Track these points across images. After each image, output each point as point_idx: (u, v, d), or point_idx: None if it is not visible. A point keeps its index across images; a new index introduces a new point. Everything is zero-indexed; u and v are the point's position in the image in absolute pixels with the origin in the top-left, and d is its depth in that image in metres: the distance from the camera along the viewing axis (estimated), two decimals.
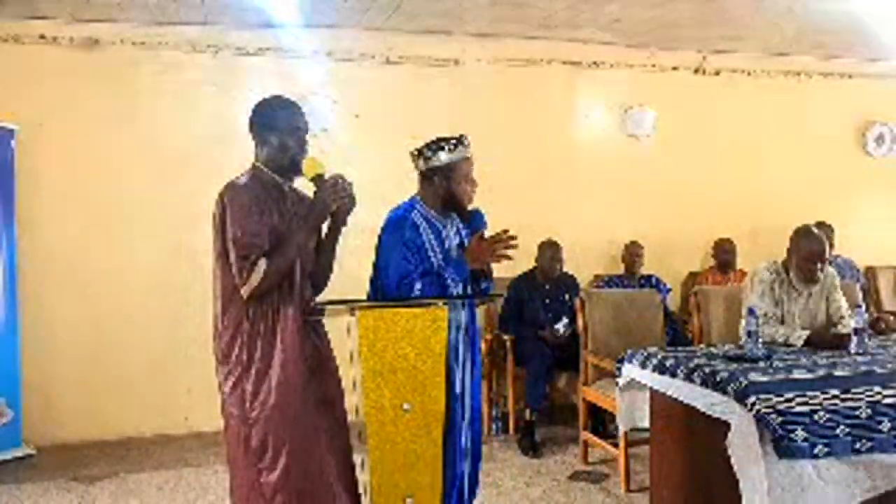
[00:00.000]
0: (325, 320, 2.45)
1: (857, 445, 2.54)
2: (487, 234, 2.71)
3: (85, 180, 4.82)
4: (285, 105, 2.42)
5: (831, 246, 5.36)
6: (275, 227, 2.31)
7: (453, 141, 2.65)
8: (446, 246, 2.71)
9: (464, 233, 2.81)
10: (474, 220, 2.69)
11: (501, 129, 5.50)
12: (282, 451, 2.26)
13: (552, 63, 5.63)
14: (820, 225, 5.01)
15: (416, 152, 2.73)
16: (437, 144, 2.67)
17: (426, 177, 2.71)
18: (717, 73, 6.02)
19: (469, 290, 2.73)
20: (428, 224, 2.70)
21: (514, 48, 5.52)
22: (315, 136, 5.02)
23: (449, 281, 2.59)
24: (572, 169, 5.70)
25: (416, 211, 2.71)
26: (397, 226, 2.65)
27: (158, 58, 4.93)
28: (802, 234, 3.52)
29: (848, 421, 2.56)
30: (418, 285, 2.56)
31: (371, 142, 5.22)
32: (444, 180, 2.67)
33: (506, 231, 2.61)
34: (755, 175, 6.06)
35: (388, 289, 2.60)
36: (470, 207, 2.74)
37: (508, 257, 2.62)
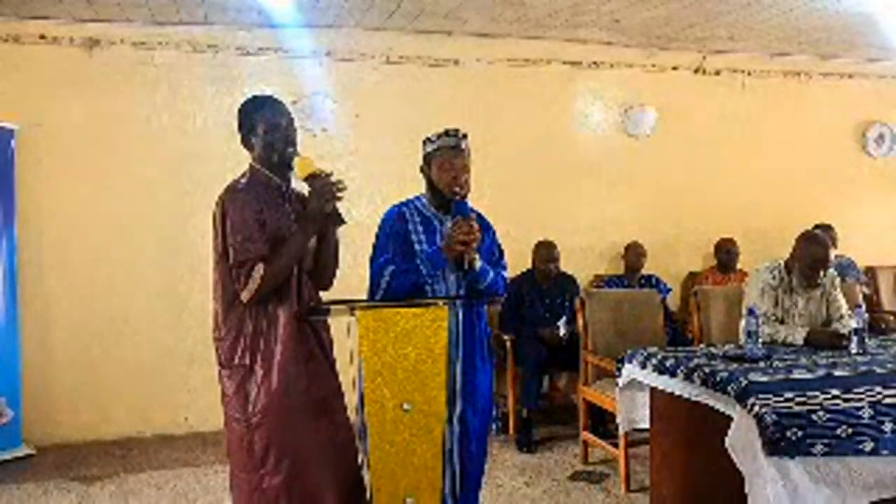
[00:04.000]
0: (328, 320, 2.45)
1: (861, 446, 2.54)
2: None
3: (85, 180, 4.82)
4: (264, 104, 2.40)
5: (833, 246, 5.38)
6: (275, 230, 2.30)
7: (438, 133, 2.69)
8: (438, 239, 2.67)
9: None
10: (455, 209, 2.65)
11: (501, 129, 5.51)
12: (284, 457, 2.25)
13: (552, 63, 5.63)
14: (820, 226, 5.03)
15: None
16: (426, 138, 2.72)
17: (421, 170, 2.76)
18: (717, 73, 6.02)
19: (462, 287, 2.67)
20: (421, 217, 2.72)
21: (513, 48, 5.52)
22: (315, 136, 5.04)
23: (422, 267, 2.58)
24: (572, 169, 5.70)
25: (411, 205, 2.75)
26: (387, 217, 2.74)
27: (159, 58, 4.93)
28: (807, 239, 3.54)
29: (851, 421, 2.55)
30: (389, 269, 2.59)
31: (371, 142, 5.22)
32: (427, 170, 2.72)
33: (468, 217, 2.59)
34: (755, 175, 6.06)
35: (370, 273, 2.67)
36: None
37: (470, 240, 2.56)
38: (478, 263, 2.62)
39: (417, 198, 2.78)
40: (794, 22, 5.17)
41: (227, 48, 5.03)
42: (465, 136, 2.70)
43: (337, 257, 2.51)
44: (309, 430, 2.30)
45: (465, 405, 2.64)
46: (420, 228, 2.70)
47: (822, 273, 3.48)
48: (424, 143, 2.72)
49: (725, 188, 6.00)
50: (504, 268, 2.81)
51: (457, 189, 2.64)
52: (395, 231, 2.68)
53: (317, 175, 2.31)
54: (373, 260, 2.69)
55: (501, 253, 2.84)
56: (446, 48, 5.40)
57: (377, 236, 2.72)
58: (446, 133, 2.68)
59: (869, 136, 6.41)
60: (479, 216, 2.80)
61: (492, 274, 2.69)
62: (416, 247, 2.66)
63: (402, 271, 2.59)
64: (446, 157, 2.65)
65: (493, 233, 2.84)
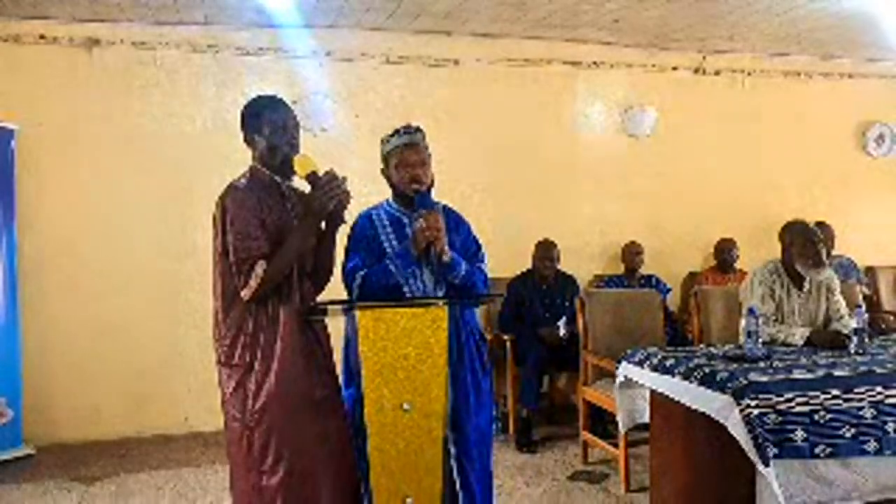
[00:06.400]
0: (325, 320, 2.45)
1: (865, 446, 2.53)
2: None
3: (85, 180, 4.82)
4: (269, 105, 2.40)
5: (832, 245, 5.39)
6: (275, 229, 2.30)
7: (393, 132, 2.70)
8: (409, 237, 2.66)
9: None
10: (417, 205, 2.64)
11: (501, 129, 5.51)
12: (283, 456, 2.25)
13: (552, 63, 5.63)
14: (820, 225, 5.04)
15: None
16: (381, 138, 2.73)
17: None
18: (717, 73, 6.02)
19: (439, 283, 2.65)
20: (389, 218, 2.71)
21: (513, 48, 5.52)
22: (315, 136, 5.04)
23: (392, 268, 2.57)
24: (572, 169, 5.70)
25: (379, 209, 2.75)
26: (355, 223, 2.72)
27: (158, 58, 4.93)
28: (787, 228, 3.59)
29: (854, 421, 2.55)
30: (360, 273, 2.58)
31: (371, 142, 5.17)
32: (386, 170, 2.73)
33: (431, 210, 2.58)
34: (755, 175, 6.07)
35: (344, 279, 2.64)
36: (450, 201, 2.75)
37: (434, 232, 2.54)
38: (447, 256, 2.58)
39: (385, 202, 2.78)
40: (794, 22, 5.17)
41: (227, 48, 5.03)
42: (418, 129, 2.69)
43: (333, 257, 2.51)
44: (307, 430, 2.30)
45: (457, 420, 2.60)
46: (389, 230, 2.69)
47: (823, 247, 3.49)
48: (382, 144, 2.72)
49: (725, 188, 6.00)
50: (482, 260, 2.78)
51: (415, 186, 2.64)
52: (364, 235, 2.67)
53: (317, 173, 2.31)
54: (343, 265, 2.66)
55: (479, 247, 2.81)
56: (446, 48, 5.40)
57: (346, 243, 2.70)
58: (397, 132, 2.69)
59: (869, 136, 6.41)
60: (450, 211, 2.79)
61: (465, 265, 2.65)
62: (387, 248, 2.65)
63: (372, 274, 2.57)
64: (402, 154, 2.65)
65: (468, 227, 2.81)
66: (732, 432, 2.54)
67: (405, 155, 2.65)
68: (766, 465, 2.43)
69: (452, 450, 2.60)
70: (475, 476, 2.66)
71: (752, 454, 2.47)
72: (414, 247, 2.56)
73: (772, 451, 2.44)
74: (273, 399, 2.26)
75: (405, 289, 2.60)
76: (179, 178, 4.93)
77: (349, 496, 2.38)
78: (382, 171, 2.74)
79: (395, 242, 2.66)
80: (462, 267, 2.64)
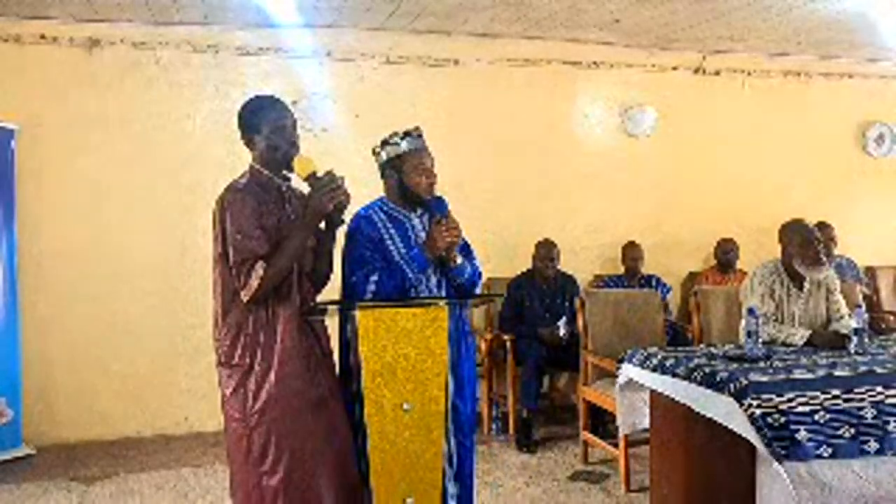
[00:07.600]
0: (325, 320, 2.45)
1: (865, 447, 2.53)
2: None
3: (85, 180, 4.82)
4: (267, 104, 2.40)
5: (834, 244, 5.39)
6: (274, 229, 2.30)
7: (400, 135, 2.69)
8: (412, 238, 2.67)
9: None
10: (433, 208, 2.65)
11: (501, 129, 5.51)
12: (283, 456, 2.26)
13: (552, 63, 5.63)
14: (822, 225, 5.04)
15: (373, 150, 2.76)
16: (385, 140, 2.71)
17: (382, 172, 2.75)
18: (717, 73, 6.02)
19: (442, 284, 2.66)
20: (389, 218, 2.69)
21: (513, 48, 5.52)
22: (315, 136, 5.04)
23: (408, 272, 2.56)
24: (572, 169, 5.70)
25: (377, 207, 2.73)
26: (357, 223, 2.68)
27: (158, 58, 4.93)
28: (787, 228, 3.59)
29: (854, 421, 2.55)
30: (374, 277, 2.55)
31: (371, 142, 5.15)
32: (395, 173, 2.70)
33: (448, 215, 2.59)
34: (755, 175, 6.06)
35: (349, 283, 2.59)
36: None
37: (455, 239, 2.58)
38: (459, 259, 2.61)
39: (379, 200, 2.76)
40: (794, 22, 5.17)
41: (227, 48, 5.03)
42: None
43: (332, 258, 2.51)
44: (307, 430, 2.30)
45: (454, 416, 2.61)
46: (392, 231, 2.67)
47: (822, 247, 3.49)
48: (384, 146, 2.70)
49: (725, 188, 6.00)
50: (475, 259, 2.81)
51: (432, 190, 2.66)
52: (366, 236, 2.63)
53: (317, 173, 2.31)
54: (349, 272, 2.60)
55: (469, 247, 2.83)
56: (446, 48, 5.40)
57: (350, 246, 2.64)
58: (408, 135, 2.68)
59: (869, 136, 6.40)
60: (439, 201, 2.76)
61: (469, 267, 2.70)
62: (392, 249, 2.63)
63: (385, 282, 2.55)
64: (419, 158, 2.66)
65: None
66: (740, 432, 2.53)
67: (423, 159, 2.66)
68: (780, 462, 2.42)
69: (451, 437, 2.61)
70: (466, 467, 2.68)
71: (764, 452, 2.47)
72: (431, 250, 2.56)
73: (777, 451, 2.44)
74: (273, 399, 2.26)
75: (412, 292, 2.59)
76: (179, 178, 4.93)
77: (349, 496, 2.37)
78: (388, 171, 2.71)
79: (399, 243, 2.65)
80: (468, 269, 2.68)
